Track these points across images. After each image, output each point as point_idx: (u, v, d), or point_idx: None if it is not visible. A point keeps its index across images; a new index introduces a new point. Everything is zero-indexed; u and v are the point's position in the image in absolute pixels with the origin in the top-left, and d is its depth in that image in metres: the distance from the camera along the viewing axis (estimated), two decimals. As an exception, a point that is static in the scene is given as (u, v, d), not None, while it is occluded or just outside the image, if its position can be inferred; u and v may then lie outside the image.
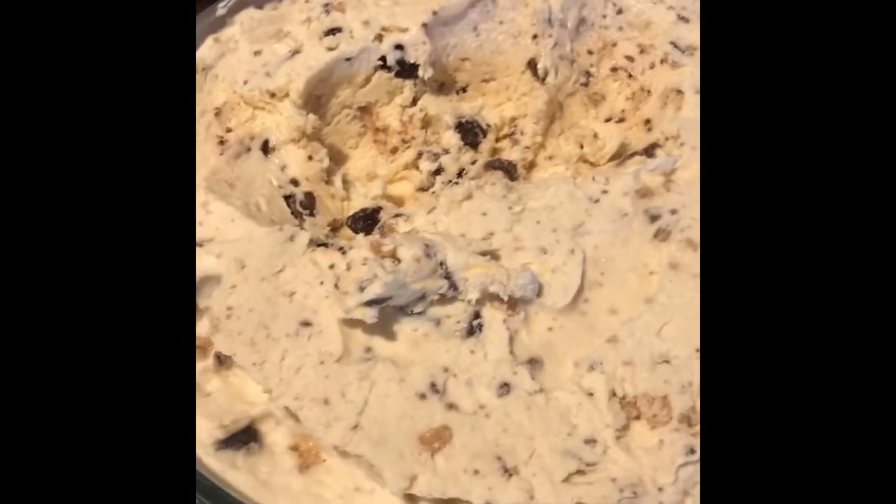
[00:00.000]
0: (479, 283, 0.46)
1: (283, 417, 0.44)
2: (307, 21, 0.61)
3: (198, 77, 0.58)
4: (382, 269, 0.44)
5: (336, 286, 0.46)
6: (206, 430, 0.43)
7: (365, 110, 0.60)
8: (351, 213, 0.56)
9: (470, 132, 0.60)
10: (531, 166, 0.60)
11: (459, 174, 0.58)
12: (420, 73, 0.58)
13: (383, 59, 0.59)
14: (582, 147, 0.59)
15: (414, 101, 0.60)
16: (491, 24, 0.63)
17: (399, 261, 0.45)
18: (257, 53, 0.59)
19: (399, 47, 0.59)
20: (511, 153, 0.60)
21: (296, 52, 0.59)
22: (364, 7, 0.61)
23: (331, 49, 0.58)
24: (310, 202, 0.55)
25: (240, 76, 0.58)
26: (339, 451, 0.43)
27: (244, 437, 0.44)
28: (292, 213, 0.54)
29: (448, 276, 0.46)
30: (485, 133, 0.60)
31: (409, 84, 0.59)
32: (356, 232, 0.54)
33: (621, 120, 0.61)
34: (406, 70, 0.59)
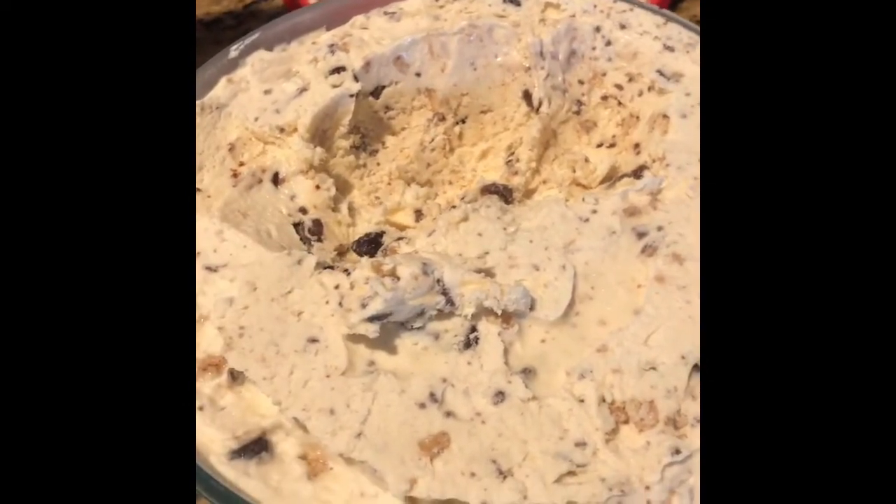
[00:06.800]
0: (474, 299, 0.49)
1: (292, 428, 0.47)
2: (314, 61, 0.65)
3: (212, 115, 0.62)
4: (383, 287, 0.47)
5: (340, 304, 0.49)
6: (221, 442, 0.46)
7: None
8: (356, 237, 0.60)
9: (498, 193, 0.63)
10: (528, 192, 0.64)
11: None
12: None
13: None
14: (574, 171, 0.62)
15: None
16: (487, 60, 0.66)
17: (398, 279, 0.48)
18: (267, 92, 0.63)
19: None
20: (508, 179, 0.63)
21: (303, 89, 0.63)
22: (366, 46, 0.65)
23: (335, 86, 0.62)
24: (317, 229, 0.58)
25: (251, 113, 0.62)
26: (345, 459, 0.45)
27: (256, 448, 0.46)
28: (301, 239, 0.57)
29: (445, 293, 0.49)
30: (512, 192, 0.63)
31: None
32: (361, 255, 0.57)
33: (612, 145, 0.64)
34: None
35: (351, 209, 0.62)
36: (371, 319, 0.47)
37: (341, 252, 0.59)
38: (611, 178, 0.61)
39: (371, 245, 0.58)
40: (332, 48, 0.65)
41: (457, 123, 0.68)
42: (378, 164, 0.66)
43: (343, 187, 0.64)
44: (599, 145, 0.65)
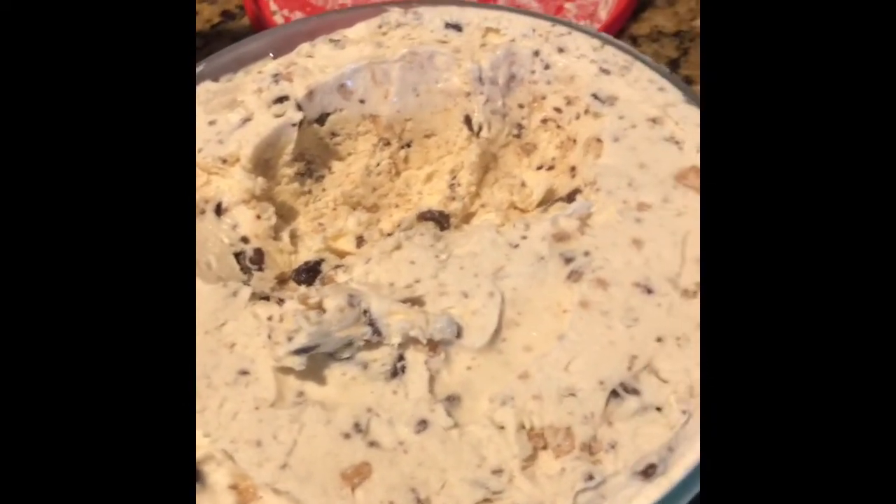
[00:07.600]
0: (399, 329, 0.50)
1: (222, 459, 0.48)
2: (258, 90, 0.66)
3: (158, 148, 0.63)
4: (306, 321, 0.49)
5: (269, 337, 0.50)
6: (153, 473, 0.48)
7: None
8: (298, 265, 0.61)
9: (434, 220, 0.64)
10: (467, 216, 0.65)
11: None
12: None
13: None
14: (512, 194, 0.63)
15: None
16: (429, 86, 0.67)
17: (325, 311, 0.50)
18: (212, 123, 0.64)
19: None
20: (448, 204, 0.64)
21: (246, 120, 0.64)
22: (310, 74, 0.66)
23: (278, 116, 0.63)
24: (258, 258, 0.60)
25: (196, 145, 0.63)
26: (272, 489, 0.47)
27: (188, 479, 0.48)
28: (242, 268, 0.59)
29: (372, 323, 0.50)
30: (448, 219, 0.64)
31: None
32: (300, 284, 0.59)
33: (551, 167, 0.65)
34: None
35: (294, 236, 0.63)
36: (297, 352, 0.49)
37: (283, 280, 0.60)
38: (548, 200, 0.62)
39: (309, 273, 0.59)
40: (277, 77, 0.66)
41: (402, 147, 0.69)
42: (324, 189, 0.68)
43: (288, 214, 0.65)
44: (540, 168, 0.66)
